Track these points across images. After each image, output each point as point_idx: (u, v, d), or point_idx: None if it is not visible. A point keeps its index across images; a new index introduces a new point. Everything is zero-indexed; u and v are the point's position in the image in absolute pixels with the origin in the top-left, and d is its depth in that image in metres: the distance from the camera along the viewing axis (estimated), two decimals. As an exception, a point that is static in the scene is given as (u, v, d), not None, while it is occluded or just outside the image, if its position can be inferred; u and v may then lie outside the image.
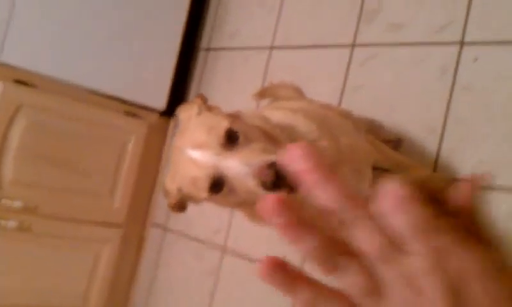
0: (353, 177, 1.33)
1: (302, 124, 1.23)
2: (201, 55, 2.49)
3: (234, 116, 1.11)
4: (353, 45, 1.96)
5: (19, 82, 2.00)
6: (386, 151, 1.57)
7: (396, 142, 1.74)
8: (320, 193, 0.42)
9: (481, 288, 0.39)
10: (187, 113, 1.17)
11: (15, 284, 2.08)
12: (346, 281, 0.41)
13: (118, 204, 2.28)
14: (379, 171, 1.65)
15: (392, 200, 0.40)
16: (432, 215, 0.40)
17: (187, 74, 2.47)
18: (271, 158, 0.99)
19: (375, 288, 0.40)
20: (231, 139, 1.03)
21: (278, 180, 0.97)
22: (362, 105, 1.88)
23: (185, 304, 2.29)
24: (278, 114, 1.27)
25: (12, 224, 2.03)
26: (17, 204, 2.03)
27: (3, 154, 1.98)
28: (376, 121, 1.81)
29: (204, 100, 1.19)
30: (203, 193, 1.04)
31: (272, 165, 0.97)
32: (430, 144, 1.68)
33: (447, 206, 0.44)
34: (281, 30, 2.21)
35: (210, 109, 1.16)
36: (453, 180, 1.58)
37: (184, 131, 1.13)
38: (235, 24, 2.39)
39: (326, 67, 2.02)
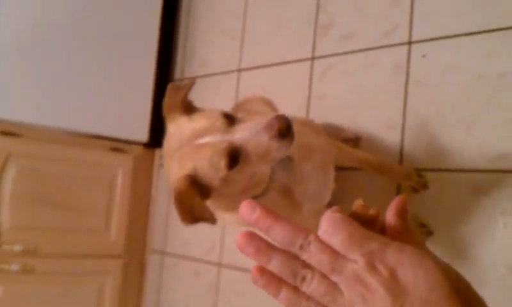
0: (319, 172, 1.42)
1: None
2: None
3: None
4: (313, 58, 2.07)
5: (5, 133, 2.12)
6: (348, 151, 1.67)
7: (355, 140, 1.85)
8: (271, 235, 0.54)
9: (411, 272, 0.49)
10: (176, 121, 1.19)
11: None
12: (311, 290, 0.52)
13: (114, 236, 2.39)
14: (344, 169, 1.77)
15: (328, 224, 0.53)
16: (361, 229, 0.53)
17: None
18: (275, 113, 1.09)
19: (334, 290, 0.51)
20: (230, 120, 1.11)
21: (288, 126, 1.06)
22: (327, 112, 2.00)
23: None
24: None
25: (15, 267, 2.14)
26: (17, 248, 2.14)
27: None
28: (334, 124, 1.92)
29: (187, 102, 1.22)
30: (222, 170, 1.06)
31: (280, 116, 1.06)
32: (393, 139, 1.79)
33: (377, 226, 0.58)
34: (246, 53, 2.33)
35: (195, 110, 1.21)
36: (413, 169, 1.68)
37: (176, 135, 1.15)
38: (204, 53, 2.52)
39: (291, 81, 2.14)
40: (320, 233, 0.53)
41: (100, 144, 2.36)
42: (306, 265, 0.53)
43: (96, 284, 2.38)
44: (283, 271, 0.54)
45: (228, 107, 2.19)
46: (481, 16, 1.62)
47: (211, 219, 1.12)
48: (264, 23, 2.28)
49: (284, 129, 1.07)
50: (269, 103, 2.05)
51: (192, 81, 1.23)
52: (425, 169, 1.70)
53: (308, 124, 1.78)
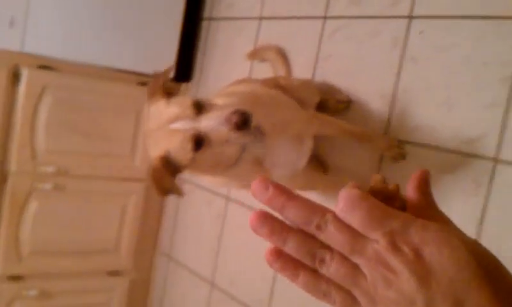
0: (293, 144, 1.60)
1: (235, 100, 1.51)
2: (204, 24, 2.75)
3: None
4: (325, 17, 2.17)
5: (42, 67, 2.34)
6: (331, 121, 1.81)
7: (347, 103, 1.99)
8: (285, 215, 0.51)
9: (437, 251, 0.46)
10: (155, 104, 1.44)
11: (55, 235, 2.50)
12: (330, 272, 0.50)
13: (138, 162, 2.63)
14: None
15: (345, 202, 0.49)
16: (382, 205, 0.49)
17: (193, 42, 2.74)
18: (233, 107, 1.29)
19: (355, 272, 0.49)
20: (198, 108, 1.32)
21: (244, 120, 1.26)
22: (330, 72, 2.12)
23: (199, 245, 2.67)
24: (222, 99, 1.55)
25: (48, 186, 2.43)
26: (51, 169, 2.41)
27: (35, 129, 2.36)
28: (330, 84, 2.05)
29: (166, 87, 1.43)
30: (189, 153, 1.28)
31: (237, 111, 1.26)
32: (383, 108, 1.91)
33: (397, 202, 0.53)
34: (268, 2, 2.43)
35: (172, 94, 1.42)
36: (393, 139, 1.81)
37: (155, 117, 1.37)
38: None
39: (304, 37, 2.24)
40: (337, 211, 0.50)
41: (129, 78, 2.55)
42: (324, 246, 0.50)
43: (120, 203, 2.66)
44: (300, 253, 0.51)
45: (247, 49, 2.35)
46: (479, 2, 1.68)
47: (178, 192, 1.35)
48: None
49: (240, 123, 1.25)
50: (280, 53, 2.21)
51: (169, 69, 1.41)
52: (406, 142, 1.83)
53: (305, 87, 1.93)
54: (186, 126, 1.28)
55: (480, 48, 1.67)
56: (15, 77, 2.29)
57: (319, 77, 2.14)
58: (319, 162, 2.04)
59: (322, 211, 0.50)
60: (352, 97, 2.00)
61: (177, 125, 1.29)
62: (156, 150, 1.33)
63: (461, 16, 1.73)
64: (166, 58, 2.62)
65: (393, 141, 1.83)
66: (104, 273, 2.72)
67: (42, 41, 2.31)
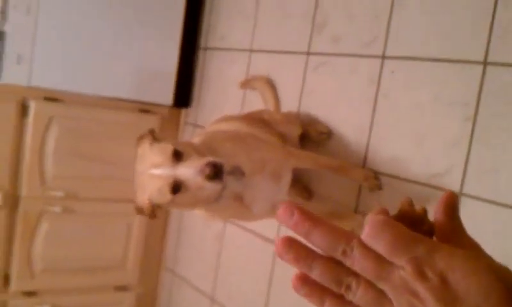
0: (271, 180, 1.75)
1: (220, 145, 1.67)
2: (201, 53, 2.90)
3: (176, 142, 1.56)
4: (308, 53, 2.30)
5: (48, 99, 2.52)
6: (309, 156, 1.95)
7: (328, 134, 2.13)
8: (311, 240, 0.51)
9: (463, 278, 0.46)
10: (141, 147, 1.62)
11: (65, 253, 2.68)
12: (357, 299, 0.50)
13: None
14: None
15: (371, 227, 0.49)
16: (407, 231, 0.49)
17: (190, 70, 2.90)
18: (207, 159, 1.45)
19: (381, 298, 0.49)
20: (177, 156, 1.48)
21: (216, 171, 1.42)
22: (313, 104, 2.26)
23: (200, 262, 2.83)
24: (197, 140, 1.71)
25: (57, 209, 2.61)
26: (59, 193, 2.59)
27: (43, 156, 2.54)
28: (313, 117, 2.19)
29: (153, 133, 1.61)
30: (168, 196, 1.46)
31: (210, 163, 1.43)
32: (361, 141, 2.05)
33: (425, 225, 0.54)
34: (257, 35, 2.57)
35: (158, 139, 1.59)
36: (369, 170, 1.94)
37: (141, 159, 1.57)
38: (224, 28, 2.77)
39: (290, 71, 2.38)
40: (363, 237, 0.50)
41: (130, 107, 2.72)
42: (350, 272, 0.50)
43: (125, 222, 2.83)
44: (325, 279, 0.51)
45: (239, 79, 2.49)
46: (445, 47, 1.80)
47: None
48: (274, 11, 2.49)
49: (212, 175, 1.41)
50: (268, 83, 2.36)
51: (153, 130, 1.59)
52: (382, 173, 1.96)
53: (283, 123, 2.08)
54: (166, 172, 1.44)
55: (445, 89, 1.80)
56: (23, 109, 2.47)
57: (304, 108, 2.28)
58: (303, 189, 2.18)
59: (348, 237, 0.50)
60: (333, 129, 2.13)
61: (158, 171, 1.45)
62: (140, 193, 1.50)
63: (429, 58, 1.85)
64: (165, 86, 2.78)
65: (369, 172, 1.97)
66: (112, 288, 2.90)
67: (48, 75, 2.48)
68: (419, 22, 1.89)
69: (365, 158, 2.03)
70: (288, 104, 2.33)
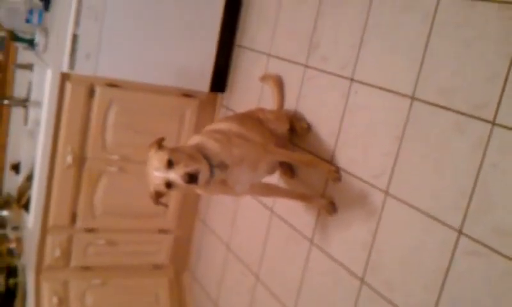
0: (249, 170, 2.42)
1: (210, 144, 2.33)
2: (235, 49, 3.56)
3: (173, 149, 2.25)
4: (305, 66, 2.91)
5: (110, 85, 3.28)
6: (284, 153, 2.61)
7: (308, 128, 2.79)
8: None
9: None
10: (150, 152, 2.27)
11: (119, 202, 3.49)
12: None
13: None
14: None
15: None
16: None
17: (227, 62, 3.57)
18: (186, 169, 2.14)
19: None
20: (170, 164, 2.18)
21: (191, 179, 2.12)
22: (305, 106, 2.88)
23: (223, 217, 3.58)
24: (199, 138, 2.38)
25: (114, 169, 3.41)
26: (116, 157, 3.38)
27: (105, 129, 3.32)
28: (299, 114, 2.88)
29: (159, 142, 2.30)
30: (164, 191, 2.17)
31: (186, 173, 2.11)
32: (331, 141, 2.66)
33: None
34: (275, 43, 3.19)
35: (161, 147, 2.28)
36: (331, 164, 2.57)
37: (149, 161, 2.23)
38: (254, 31, 3.40)
39: (294, 79, 3.00)
40: None
41: (174, 92, 3.44)
42: None
43: (167, 182, 3.60)
44: None
45: (258, 75, 3.15)
46: (394, 80, 2.35)
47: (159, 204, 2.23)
48: (285, 26, 3.11)
49: (189, 181, 2.08)
50: (277, 80, 3.01)
51: (163, 138, 2.24)
52: (342, 169, 2.58)
53: (273, 121, 2.74)
54: (161, 175, 2.13)
55: (390, 114, 2.36)
56: (91, 92, 3.24)
57: (300, 108, 2.91)
58: (288, 169, 2.84)
59: None
60: (313, 126, 2.77)
61: (157, 173, 2.15)
62: (149, 185, 2.21)
63: (381, 87, 2.41)
64: (203, 75, 3.48)
65: (333, 167, 2.59)
66: (155, 231, 3.71)
67: (109, 67, 3.22)
68: (383, 56, 2.45)
69: (333, 155, 2.65)
70: (291, 102, 2.98)
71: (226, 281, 3.53)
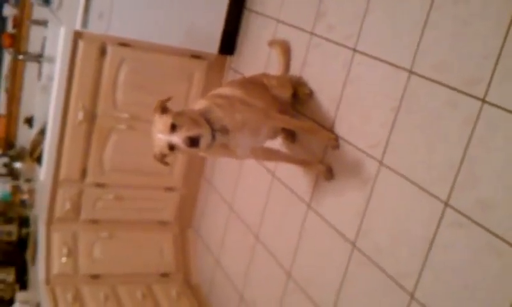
0: (251, 135, 2.51)
1: (213, 109, 2.42)
2: (245, 12, 3.62)
3: (177, 113, 2.34)
4: (311, 33, 2.97)
5: (121, 44, 3.36)
6: (285, 119, 2.70)
7: (310, 94, 2.88)
8: None
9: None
10: (155, 115, 2.38)
11: (128, 159, 3.61)
12: None
13: (189, 113, 3.64)
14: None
15: None
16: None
17: (236, 25, 3.63)
18: (187, 133, 2.24)
19: None
20: (173, 127, 2.28)
21: (192, 143, 2.23)
22: (309, 72, 2.95)
23: (227, 177, 3.69)
24: (203, 103, 2.47)
25: (123, 126, 3.52)
26: (125, 115, 3.49)
27: (115, 87, 3.41)
28: (302, 79, 2.95)
29: (163, 105, 2.39)
30: (167, 152, 2.27)
31: (187, 137, 2.21)
32: (332, 108, 2.74)
33: None
34: (284, 8, 3.24)
35: (166, 111, 2.37)
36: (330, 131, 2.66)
37: (154, 124, 2.31)
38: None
39: (300, 45, 3.06)
40: None
41: (183, 53, 3.52)
42: None
43: (174, 141, 3.71)
44: None
45: (267, 39, 3.21)
46: (394, 53, 2.41)
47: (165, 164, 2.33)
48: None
49: (190, 144, 2.18)
50: (283, 45, 3.08)
51: (169, 98, 2.33)
52: (341, 137, 2.66)
53: (277, 87, 2.81)
54: (165, 138, 2.23)
55: (384, 84, 2.42)
56: (102, 51, 3.33)
57: (304, 74, 2.98)
58: (289, 134, 2.93)
59: None
60: (315, 94, 2.84)
61: (161, 136, 2.24)
62: (153, 147, 2.31)
63: (380, 59, 2.48)
64: (212, 37, 3.55)
65: (332, 135, 2.68)
66: (162, 188, 3.84)
67: (121, 27, 3.30)
68: (385, 29, 2.51)
69: (333, 123, 2.73)
70: (296, 68, 3.05)
71: (227, 239, 3.66)
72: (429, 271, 2.13)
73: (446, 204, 2.08)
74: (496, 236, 1.88)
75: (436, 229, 2.11)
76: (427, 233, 2.14)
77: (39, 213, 3.76)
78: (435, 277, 2.10)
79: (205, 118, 2.34)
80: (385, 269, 2.33)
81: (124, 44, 3.37)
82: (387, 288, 2.31)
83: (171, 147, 2.22)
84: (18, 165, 4.20)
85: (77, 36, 3.25)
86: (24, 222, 4.18)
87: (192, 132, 2.19)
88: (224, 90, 2.66)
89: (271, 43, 3.26)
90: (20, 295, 3.85)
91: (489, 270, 1.90)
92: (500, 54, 1.93)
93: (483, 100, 1.97)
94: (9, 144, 4.39)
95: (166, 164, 2.38)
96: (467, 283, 1.97)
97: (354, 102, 2.62)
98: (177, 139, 2.19)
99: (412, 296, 2.18)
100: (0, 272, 4.02)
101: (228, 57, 3.73)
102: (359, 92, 2.60)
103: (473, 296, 1.95)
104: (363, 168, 2.51)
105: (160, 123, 2.25)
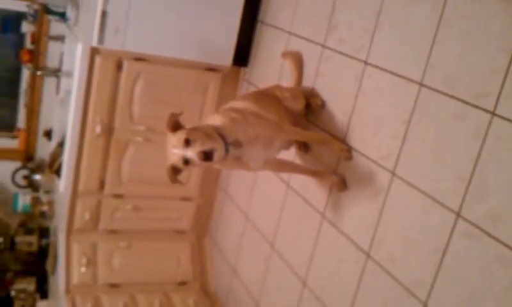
0: (264, 148, 2.57)
1: (226, 123, 2.48)
2: (258, 25, 3.68)
3: (191, 129, 2.41)
4: (323, 46, 3.02)
5: (137, 59, 3.44)
6: (298, 132, 2.75)
7: (322, 104, 2.93)
8: None
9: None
10: (169, 132, 2.44)
11: (145, 170, 3.67)
12: None
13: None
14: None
15: None
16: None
17: (250, 38, 3.69)
18: (201, 148, 2.30)
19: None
20: (187, 142, 2.34)
21: (206, 157, 2.29)
22: (321, 84, 3.00)
23: (243, 187, 3.75)
24: (216, 117, 2.53)
25: (140, 139, 3.59)
26: (142, 128, 3.56)
27: (132, 100, 3.49)
28: (315, 90, 3.01)
29: (174, 121, 2.45)
30: (182, 167, 2.35)
31: (201, 151, 2.27)
32: (344, 119, 2.79)
33: None
34: (296, 22, 3.29)
35: (177, 126, 2.43)
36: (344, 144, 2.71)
37: (168, 139, 2.37)
38: (276, 9, 3.51)
39: (313, 57, 3.11)
40: None
41: (198, 66, 3.58)
42: None
43: (190, 152, 3.78)
44: None
45: (280, 51, 3.27)
46: (404, 66, 2.46)
47: (176, 182, 2.39)
48: (305, 6, 3.21)
49: (204, 158, 2.23)
50: (296, 57, 3.14)
51: (180, 113, 2.39)
52: (354, 148, 2.71)
53: (290, 99, 2.86)
54: (180, 152, 2.29)
55: (396, 98, 2.47)
56: (119, 66, 3.41)
57: (316, 86, 3.03)
58: (302, 145, 2.99)
59: None
60: (328, 105, 2.90)
61: (175, 151, 2.31)
62: (168, 160, 2.37)
63: (391, 72, 2.52)
64: (226, 50, 3.61)
65: (345, 146, 2.72)
66: (178, 198, 3.91)
67: (137, 42, 3.38)
68: (395, 42, 2.56)
69: (346, 134, 2.77)
70: (309, 80, 3.10)
71: (243, 248, 3.72)
72: (441, 281, 2.17)
73: (458, 215, 2.12)
74: (507, 246, 1.91)
75: (448, 239, 2.15)
76: (439, 244, 2.18)
77: (58, 224, 3.84)
78: (447, 287, 2.14)
79: (219, 132, 2.40)
80: (398, 278, 2.37)
81: (140, 59, 3.45)
82: (400, 297, 2.35)
83: (186, 161, 2.28)
84: (37, 177, 4.29)
85: (94, 52, 3.33)
86: (44, 232, 4.28)
87: (206, 146, 2.25)
88: (237, 104, 2.71)
89: (285, 55, 3.31)
90: (40, 305, 3.94)
91: (500, 280, 1.93)
92: (509, 68, 1.97)
93: (493, 113, 2.01)
94: (29, 156, 4.48)
95: (177, 181, 2.43)
96: (478, 293, 2.01)
97: (366, 114, 2.67)
98: (191, 153, 2.25)
99: (425, 305, 2.22)
100: (21, 281, 4.12)
101: (242, 69, 3.80)
102: (370, 104, 2.65)
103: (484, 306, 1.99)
104: (376, 179, 2.55)
105: (175, 138, 2.31)
